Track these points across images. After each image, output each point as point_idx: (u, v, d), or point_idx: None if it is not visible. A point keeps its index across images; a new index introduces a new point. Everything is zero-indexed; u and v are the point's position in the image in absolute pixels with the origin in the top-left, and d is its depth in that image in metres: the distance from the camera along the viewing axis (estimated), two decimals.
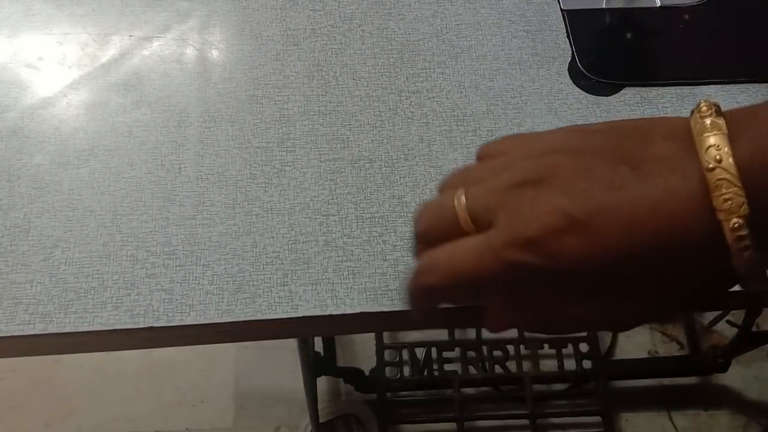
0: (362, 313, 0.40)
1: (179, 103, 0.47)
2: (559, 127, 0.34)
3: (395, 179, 0.45)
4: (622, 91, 0.49)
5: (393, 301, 0.40)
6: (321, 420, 1.13)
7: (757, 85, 0.49)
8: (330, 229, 0.43)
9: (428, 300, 0.35)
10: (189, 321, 0.40)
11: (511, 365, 1.17)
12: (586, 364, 1.17)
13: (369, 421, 1.19)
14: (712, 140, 0.27)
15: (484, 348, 1.18)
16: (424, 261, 0.32)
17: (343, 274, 0.41)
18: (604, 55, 0.51)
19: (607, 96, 0.48)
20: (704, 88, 0.49)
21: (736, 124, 0.27)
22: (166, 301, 0.40)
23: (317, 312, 0.40)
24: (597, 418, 1.15)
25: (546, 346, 1.18)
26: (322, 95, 0.48)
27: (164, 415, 1.22)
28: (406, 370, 1.16)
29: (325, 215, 0.43)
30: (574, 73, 0.50)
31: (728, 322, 1.16)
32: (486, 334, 1.21)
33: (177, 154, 0.45)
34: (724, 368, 1.16)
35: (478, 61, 0.50)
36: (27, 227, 0.42)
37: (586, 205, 0.28)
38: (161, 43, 0.50)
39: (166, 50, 0.50)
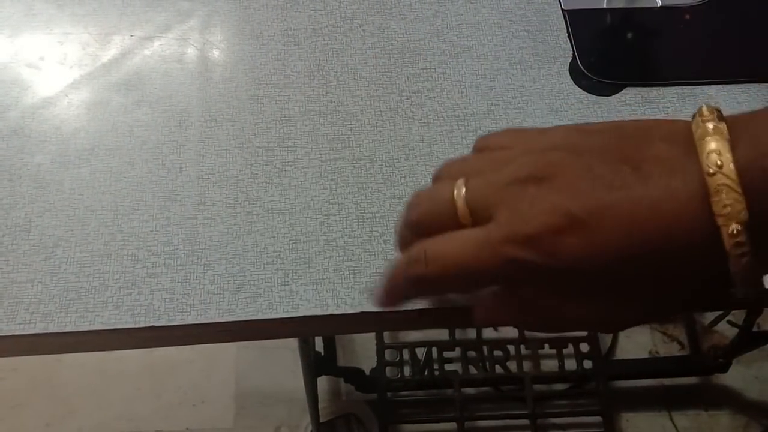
0: (363, 312, 0.40)
1: (180, 103, 0.47)
2: (558, 125, 0.34)
3: (396, 179, 0.45)
4: (622, 91, 0.49)
5: None
6: (321, 420, 1.13)
7: (757, 85, 0.49)
8: (331, 228, 0.43)
9: (416, 291, 0.34)
10: (190, 320, 0.40)
11: (512, 365, 1.17)
12: (587, 364, 1.17)
13: (369, 420, 1.19)
14: (713, 145, 0.27)
15: (485, 348, 1.18)
16: (417, 251, 0.32)
17: (343, 274, 0.41)
18: (605, 55, 0.51)
19: (607, 96, 0.48)
20: (705, 88, 0.49)
21: (737, 129, 0.27)
22: (166, 300, 0.40)
23: (318, 312, 0.40)
24: (597, 418, 1.15)
25: (546, 346, 1.18)
26: (323, 95, 0.48)
27: (165, 414, 1.22)
28: (407, 370, 1.16)
29: (325, 215, 0.43)
30: (574, 73, 0.50)
31: (729, 322, 1.16)
32: (486, 334, 1.21)
33: (178, 154, 0.45)
34: (724, 368, 1.16)
35: (479, 61, 0.50)
36: (28, 227, 0.42)
37: (586, 204, 0.28)
38: (162, 43, 0.50)
39: (167, 50, 0.50)
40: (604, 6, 0.53)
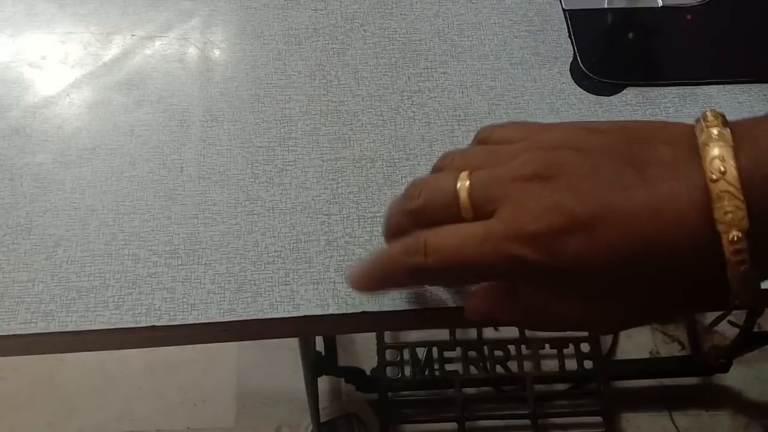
0: (364, 312, 0.40)
1: (181, 103, 0.47)
2: (563, 122, 0.34)
3: (397, 179, 0.45)
4: (623, 91, 0.49)
5: (395, 301, 0.40)
6: (322, 419, 1.13)
7: (759, 85, 0.49)
8: (332, 228, 0.43)
9: (412, 280, 0.34)
10: (191, 320, 0.40)
11: (513, 365, 1.17)
12: (588, 364, 1.17)
13: (370, 420, 1.19)
14: (716, 151, 0.27)
15: (486, 348, 1.18)
16: (417, 240, 0.32)
17: (344, 274, 0.41)
18: (606, 55, 0.51)
19: (608, 96, 0.48)
20: (706, 88, 0.49)
21: (741, 135, 0.27)
22: (167, 300, 0.40)
23: (319, 311, 0.40)
24: (598, 419, 1.15)
25: (547, 346, 1.18)
26: (324, 95, 0.48)
27: (166, 414, 1.22)
28: (408, 370, 1.16)
29: (326, 215, 0.43)
30: (575, 73, 0.50)
31: (730, 322, 1.15)
32: (487, 334, 1.21)
33: (179, 154, 0.45)
34: (725, 368, 1.16)
35: (479, 60, 0.50)
36: (29, 226, 0.43)
37: (590, 205, 0.28)
38: (163, 43, 0.50)
39: (169, 49, 0.50)
40: (605, 6, 0.53)
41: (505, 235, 0.29)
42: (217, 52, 0.50)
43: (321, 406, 1.11)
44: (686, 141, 0.29)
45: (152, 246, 0.42)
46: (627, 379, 1.23)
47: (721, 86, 0.49)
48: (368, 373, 1.15)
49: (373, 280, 0.36)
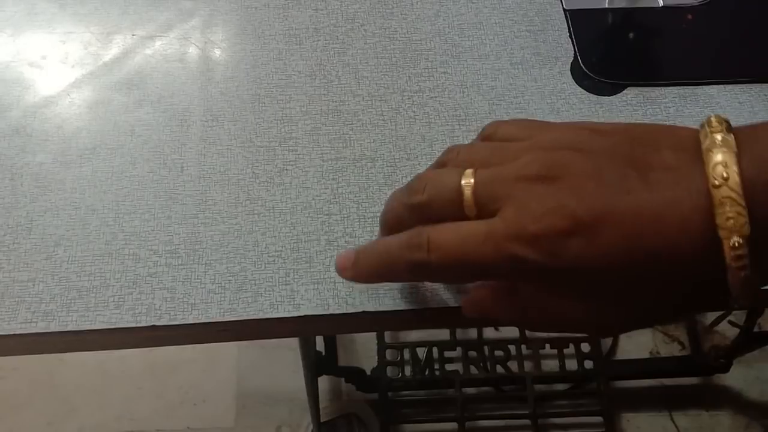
0: (364, 312, 0.40)
1: (182, 102, 0.47)
2: (568, 121, 0.34)
3: (397, 179, 0.45)
4: (624, 91, 0.49)
5: (395, 301, 0.40)
6: (322, 419, 1.13)
7: (759, 85, 0.49)
8: (332, 228, 0.43)
9: (412, 275, 0.35)
10: (191, 320, 0.40)
11: (513, 365, 1.17)
12: (588, 364, 1.17)
13: (370, 420, 1.19)
14: (720, 157, 0.27)
15: (486, 348, 1.18)
16: (419, 236, 0.32)
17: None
18: (607, 55, 0.51)
19: (609, 96, 0.48)
20: (706, 88, 0.49)
21: (744, 141, 0.27)
22: (168, 299, 0.40)
23: (319, 311, 0.40)
24: (598, 419, 1.15)
25: (548, 346, 1.18)
26: (325, 94, 0.48)
27: (166, 414, 1.22)
28: (408, 370, 1.16)
29: (327, 214, 0.43)
30: (576, 72, 0.49)
31: (730, 322, 1.16)
32: (487, 334, 1.21)
33: (179, 153, 0.45)
34: (725, 368, 1.16)
35: (480, 60, 0.50)
36: (29, 226, 0.42)
37: (592, 207, 0.28)
38: (164, 42, 0.50)
39: (169, 49, 0.50)
40: (606, 6, 0.53)
41: (507, 235, 0.29)
42: (217, 52, 0.50)
43: (321, 405, 1.11)
44: (690, 146, 0.29)
45: (152, 246, 0.42)
46: (627, 379, 1.23)
47: (722, 86, 0.49)
48: (368, 372, 1.15)
49: (370, 272, 0.36)
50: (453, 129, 0.47)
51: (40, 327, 0.39)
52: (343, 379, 1.16)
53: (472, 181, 0.31)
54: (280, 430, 1.21)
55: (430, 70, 0.49)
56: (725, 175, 0.27)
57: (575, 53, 0.50)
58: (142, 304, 0.40)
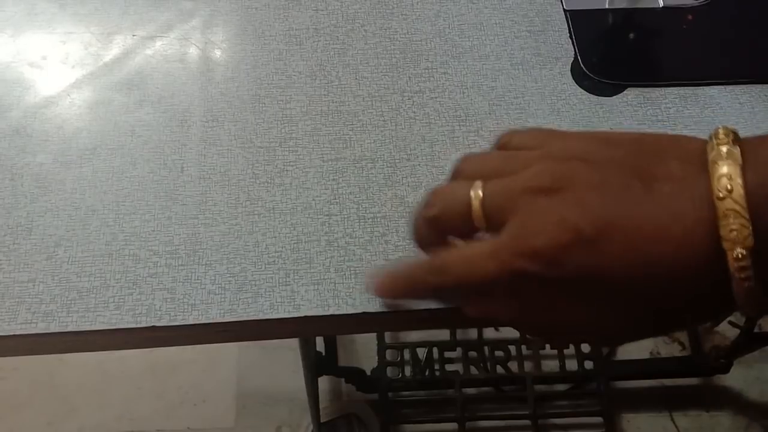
0: (364, 313, 0.40)
1: (182, 103, 0.47)
2: (581, 131, 0.34)
3: (397, 179, 0.45)
4: (624, 92, 0.49)
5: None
6: (322, 420, 1.13)
7: (760, 85, 0.49)
8: (332, 228, 0.43)
9: (438, 299, 0.36)
10: (191, 320, 0.40)
11: (513, 365, 1.17)
12: (588, 364, 1.17)
13: (370, 420, 1.19)
14: (725, 169, 0.27)
15: (486, 348, 1.18)
16: (435, 261, 0.33)
17: (345, 274, 0.41)
18: (607, 55, 0.51)
19: (609, 96, 0.48)
20: (707, 88, 0.49)
21: (750, 153, 0.28)
22: (168, 300, 0.40)
23: (319, 312, 0.40)
24: (598, 419, 1.15)
25: (548, 346, 1.18)
26: (325, 95, 0.48)
27: (166, 414, 1.22)
28: (408, 370, 1.16)
29: (327, 215, 0.43)
30: (576, 73, 0.49)
31: (730, 322, 1.16)
32: (488, 334, 1.21)
33: (179, 154, 0.45)
34: (725, 369, 1.16)
35: (480, 61, 0.50)
36: (29, 226, 0.42)
37: (595, 220, 0.29)
38: (164, 43, 0.50)
39: (169, 50, 0.50)
40: (606, 6, 0.53)
41: (511, 252, 0.30)
42: (217, 53, 0.50)
43: (321, 406, 1.11)
44: (697, 157, 0.29)
45: (153, 246, 0.42)
46: (627, 379, 1.23)
47: (722, 87, 0.49)
48: (368, 373, 1.15)
49: (400, 294, 0.37)
50: (453, 129, 0.47)
51: (40, 328, 0.39)
52: (343, 380, 1.16)
53: (481, 193, 0.32)
54: (280, 431, 1.21)
55: (430, 70, 0.49)
56: (729, 187, 0.27)
57: (575, 54, 0.50)
58: (142, 305, 0.40)
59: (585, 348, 1.18)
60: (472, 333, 1.20)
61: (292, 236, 0.42)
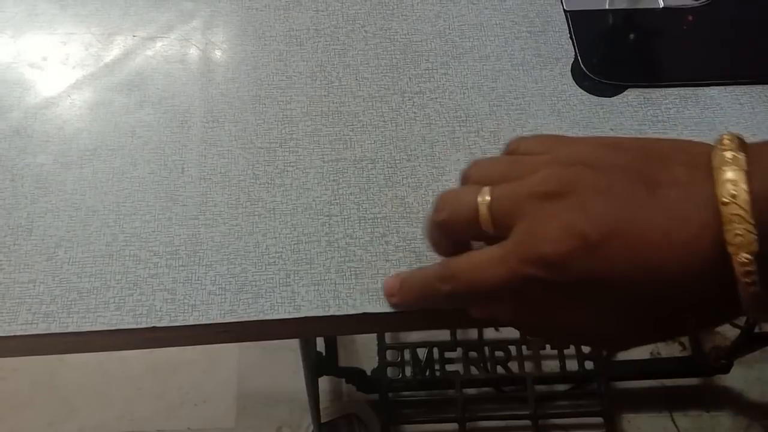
0: (364, 313, 0.40)
1: (182, 104, 0.47)
2: (588, 136, 0.34)
3: (398, 180, 0.45)
4: (624, 92, 0.49)
5: None
6: (323, 420, 1.13)
7: (760, 86, 0.49)
8: (332, 229, 0.43)
9: (451, 305, 0.36)
10: (191, 321, 0.40)
11: (513, 366, 1.17)
12: (588, 364, 1.17)
13: (371, 421, 1.19)
14: (729, 175, 0.27)
15: (486, 348, 1.18)
16: (446, 268, 0.34)
17: (345, 275, 0.41)
18: (607, 56, 0.51)
19: (609, 97, 0.48)
20: (707, 89, 0.49)
21: (755, 159, 0.28)
22: (168, 301, 0.40)
23: (319, 312, 0.40)
24: (599, 419, 1.15)
25: (548, 346, 1.18)
26: (325, 96, 0.48)
27: (166, 414, 1.22)
28: (408, 371, 1.16)
29: (327, 216, 0.43)
30: (577, 74, 0.49)
31: (730, 323, 1.15)
32: (488, 334, 1.21)
33: (180, 154, 0.45)
34: (726, 369, 1.16)
35: (481, 61, 0.50)
36: (30, 227, 0.43)
37: (600, 225, 0.29)
38: (165, 44, 0.50)
39: (170, 50, 0.50)
40: (607, 7, 0.53)
41: (517, 258, 0.30)
42: (218, 53, 0.50)
43: (322, 406, 1.11)
44: (702, 162, 0.29)
45: (153, 247, 0.42)
46: (628, 379, 1.23)
47: (723, 87, 0.49)
48: (369, 373, 1.15)
49: (413, 300, 0.38)
50: (454, 130, 0.47)
51: (40, 328, 0.39)
52: (343, 380, 1.16)
53: (488, 198, 0.32)
54: (281, 431, 1.21)
55: (430, 71, 0.49)
56: (734, 192, 0.27)
57: (576, 54, 0.50)
58: (142, 306, 0.40)
59: (585, 348, 1.18)
60: (473, 333, 1.20)
61: (292, 237, 0.42)
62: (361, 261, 0.42)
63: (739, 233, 0.27)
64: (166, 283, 0.41)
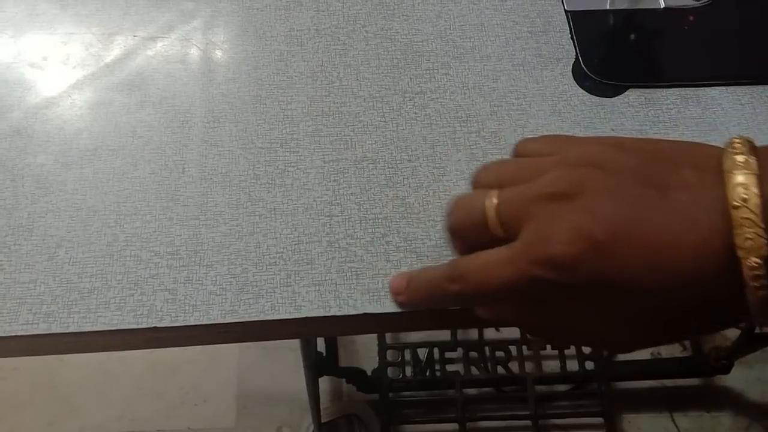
0: (365, 314, 0.40)
1: (183, 104, 0.47)
2: (595, 136, 0.34)
3: (398, 180, 0.45)
4: (625, 93, 0.49)
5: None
6: (323, 420, 1.13)
7: (761, 86, 0.49)
8: (333, 230, 0.43)
9: (458, 304, 0.37)
10: (192, 321, 0.40)
11: (514, 366, 1.17)
12: (589, 365, 1.17)
13: (371, 421, 1.19)
14: (740, 178, 0.27)
15: (487, 348, 1.18)
16: (454, 269, 0.34)
17: (346, 275, 0.41)
18: (608, 56, 0.51)
19: (610, 97, 0.48)
20: (708, 89, 0.49)
21: (767, 162, 0.28)
22: (169, 301, 0.40)
23: (320, 313, 0.40)
24: (599, 419, 1.15)
25: (548, 347, 1.18)
26: (326, 96, 0.48)
27: (167, 414, 1.22)
28: (409, 371, 1.16)
29: (328, 216, 0.43)
30: (577, 74, 0.49)
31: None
32: (488, 334, 1.21)
33: (181, 155, 0.45)
34: (726, 370, 1.16)
35: (481, 62, 0.50)
36: (31, 227, 0.42)
37: (609, 228, 0.29)
38: (165, 44, 0.50)
39: (170, 50, 0.50)
40: (607, 7, 0.53)
41: (526, 259, 0.30)
42: (218, 53, 0.50)
43: (322, 406, 1.11)
44: (713, 165, 0.29)
45: (154, 247, 0.42)
46: (628, 380, 1.23)
47: (724, 88, 0.49)
48: (369, 373, 1.15)
49: (420, 300, 0.38)
50: (454, 130, 0.47)
51: (41, 328, 0.39)
52: (343, 380, 1.16)
53: (496, 202, 0.32)
54: (281, 431, 1.21)
55: (431, 71, 0.49)
56: (745, 196, 0.27)
57: (577, 54, 0.50)
58: (143, 306, 0.40)
59: (586, 349, 1.18)
60: (473, 333, 1.20)
61: (293, 237, 0.42)
62: (362, 261, 0.42)
63: (750, 237, 0.26)
64: (166, 283, 0.41)
